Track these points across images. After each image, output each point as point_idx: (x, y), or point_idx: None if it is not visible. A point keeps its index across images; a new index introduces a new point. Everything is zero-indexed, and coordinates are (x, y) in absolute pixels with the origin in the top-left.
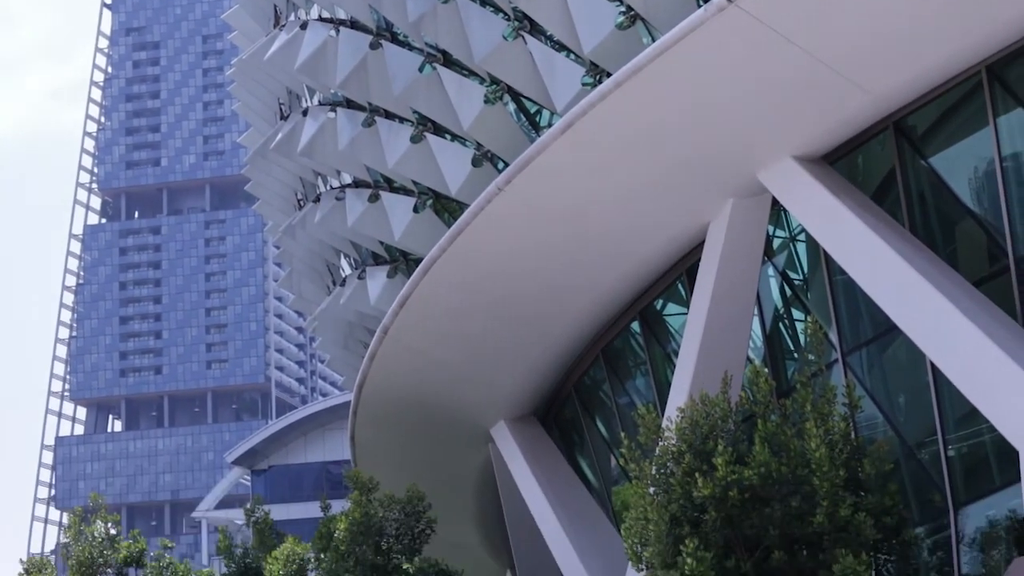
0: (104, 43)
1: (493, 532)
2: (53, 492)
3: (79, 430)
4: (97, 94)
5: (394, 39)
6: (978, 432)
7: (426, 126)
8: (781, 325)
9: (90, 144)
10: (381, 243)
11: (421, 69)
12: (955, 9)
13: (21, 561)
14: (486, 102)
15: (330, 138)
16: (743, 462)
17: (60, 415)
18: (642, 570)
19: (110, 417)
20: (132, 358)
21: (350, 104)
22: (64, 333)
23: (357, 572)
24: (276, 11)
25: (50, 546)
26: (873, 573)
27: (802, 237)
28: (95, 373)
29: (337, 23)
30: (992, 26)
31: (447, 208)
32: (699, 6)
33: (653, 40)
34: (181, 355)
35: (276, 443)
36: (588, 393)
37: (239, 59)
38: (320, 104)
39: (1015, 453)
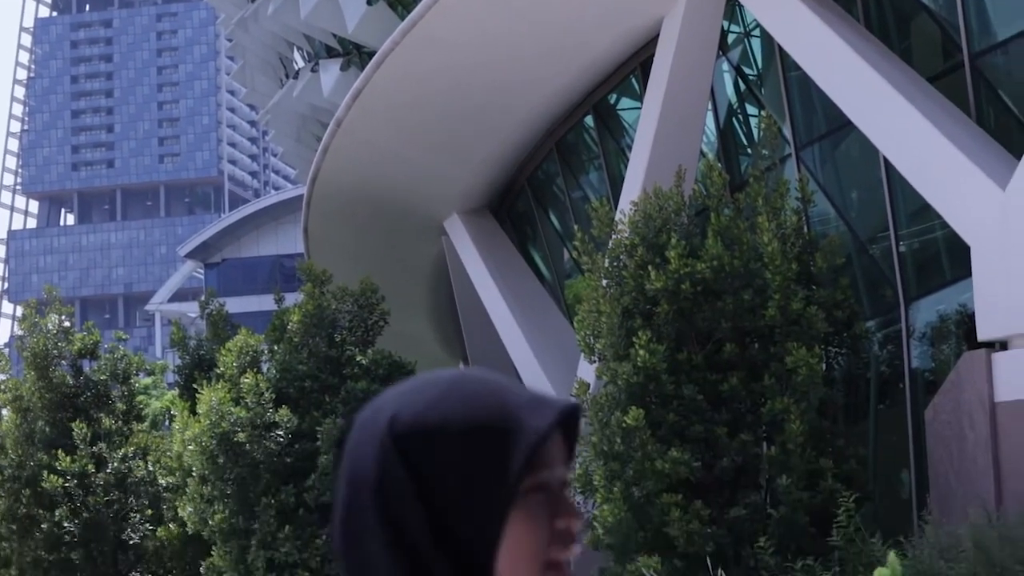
0: None
1: (446, 325)
2: (6, 286)
3: (31, 224)
4: None
5: None
6: (930, 228)
7: None
8: (735, 120)
9: None
10: (334, 36)
11: None
12: None
13: None
14: None
15: None
16: (696, 255)
17: (12, 208)
18: (594, 362)
19: (62, 211)
20: (84, 152)
21: None
22: (16, 127)
23: (310, 364)
24: None
25: (3, 339)
26: (824, 365)
27: (757, 32)
28: (47, 167)
29: None
30: None
31: (401, 1)
32: None
33: None
34: (133, 149)
35: (229, 236)
36: (541, 187)
37: None
38: None
39: (966, 248)
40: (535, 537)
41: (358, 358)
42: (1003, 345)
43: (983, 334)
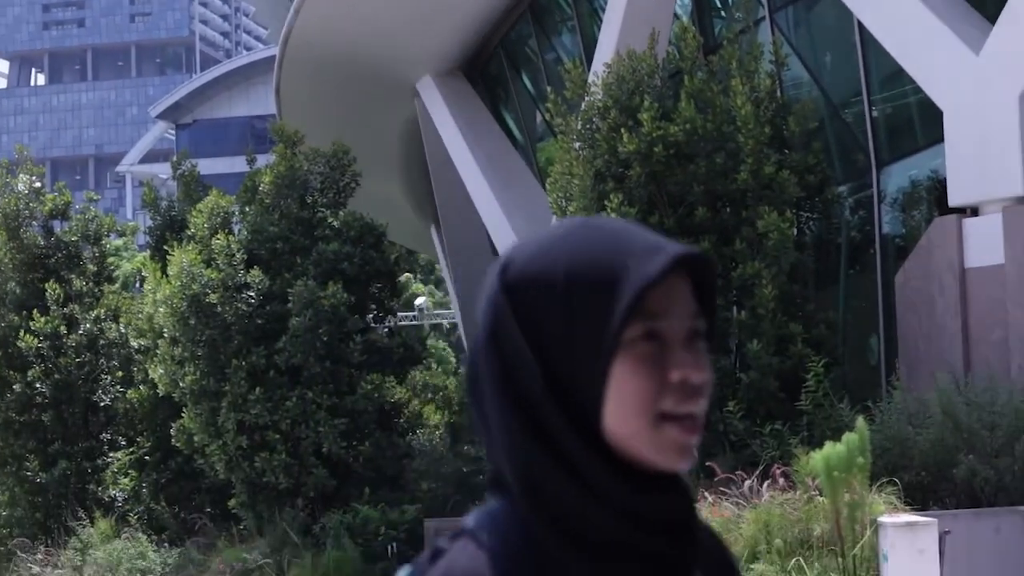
0: None
1: (418, 187)
2: None
3: (1, 84)
4: None
5: None
6: (903, 93)
7: None
8: None
9: None
10: None
11: None
12: None
13: None
14: None
15: None
16: (669, 118)
17: None
18: None
19: (33, 71)
20: (55, 11)
21: None
22: None
23: (282, 225)
24: None
25: None
26: (795, 230)
27: None
28: (17, 26)
29: None
30: None
31: None
32: None
33: None
34: (104, 8)
35: (200, 97)
36: (514, 49)
37: None
38: None
39: (939, 113)
40: (640, 387)
41: (329, 220)
42: (974, 211)
43: (954, 200)
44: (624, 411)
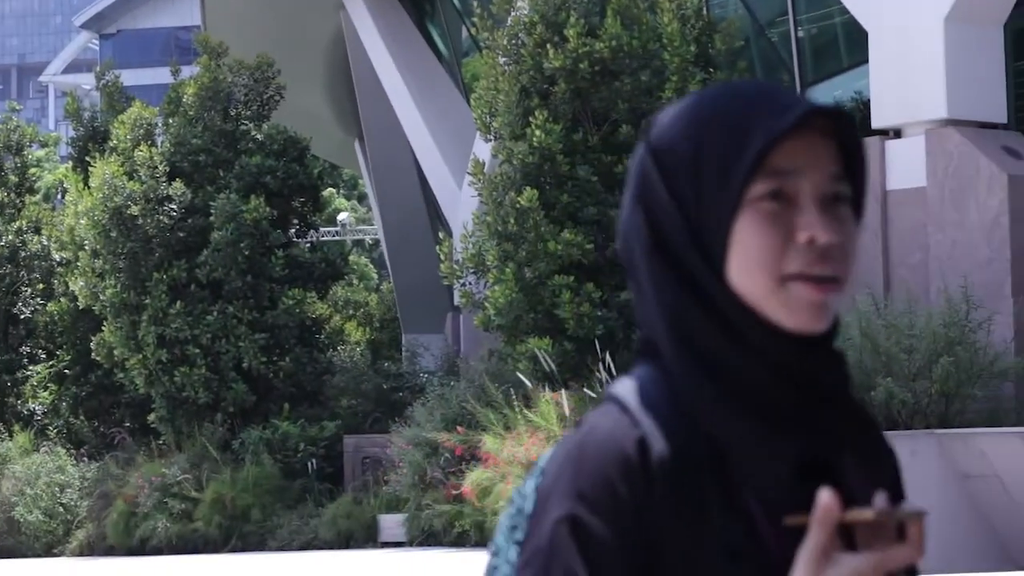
0: None
1: (342, 101)
2: None
3: None
4: None
5: None
6: (829, 14)
7: None
8: None
9: None
10: None
11: None
12: None
13: None
14: None
15: None
16: (594, 35)
17: None
18: (490, 140)
19: None
20: None
21: None
22: None
23: (205, 137)
24: None
25: None
26: None
27: None
28: None
29: None
30: None
31: None
32: None
33: None
34: None
35: (124, 7)
36: None
37: None
38: None
39: (864, 35)
40: (761, 245)
41: (253, 133)
42: (897, 133)
43: (877, 121)
44: (748, 269)
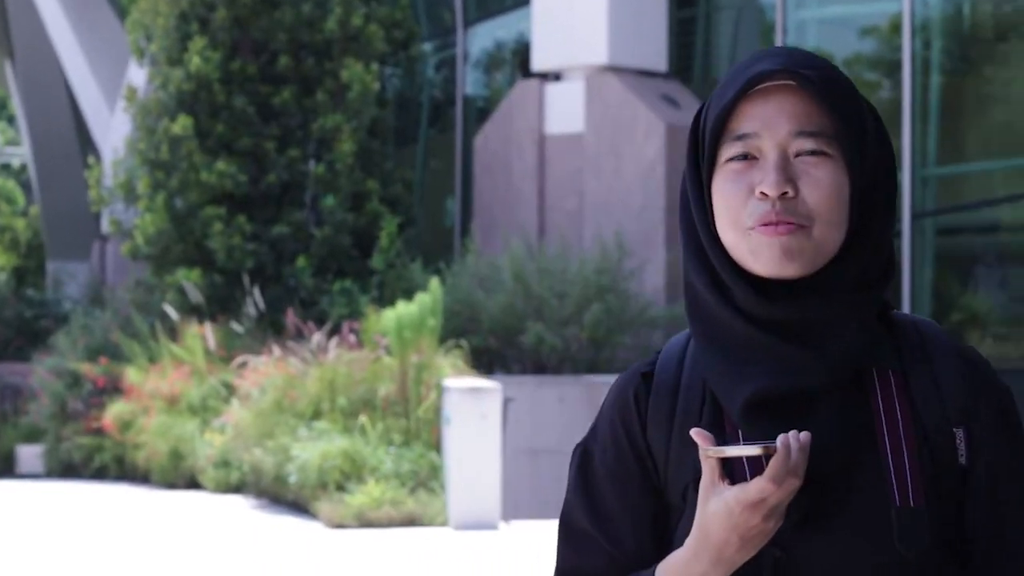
0: None
1: None
2: None
3: None
4: None
5: None
6: None
7: None
8: None
9: None
10: None
11: None
12: None
13: None
14: None
15: None
16: None
17: None
18: (145, 66)
19: None
20: None
21: None
22: None
23: None
24: None
25: None
26: (379, 85)
27: None
28: None
29: None
30: None
31: None
32: None
33: None
34: None
35: None
36: None
37: None
38: None
39: None
40: (727, 202)
41: None
42: (557, 76)
43: (537, 64)
44: (722, 224)
